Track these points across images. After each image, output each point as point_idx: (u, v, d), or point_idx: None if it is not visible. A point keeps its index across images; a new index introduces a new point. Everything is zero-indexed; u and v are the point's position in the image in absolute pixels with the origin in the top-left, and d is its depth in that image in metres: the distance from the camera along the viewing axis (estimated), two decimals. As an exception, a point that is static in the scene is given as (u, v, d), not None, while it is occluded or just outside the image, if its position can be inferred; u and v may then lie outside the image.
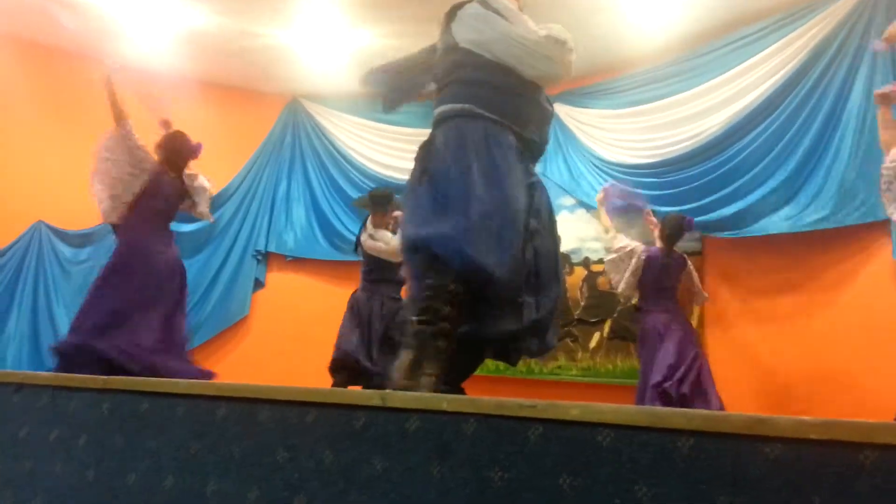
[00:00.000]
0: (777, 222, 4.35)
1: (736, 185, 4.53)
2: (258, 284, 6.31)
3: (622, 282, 4.22)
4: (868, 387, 3.79)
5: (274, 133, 6.55)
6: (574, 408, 1.37)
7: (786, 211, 4.33)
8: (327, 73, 6.05)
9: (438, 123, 2.32)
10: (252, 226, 6.35)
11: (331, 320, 5.96)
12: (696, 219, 4.55)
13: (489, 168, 2.15)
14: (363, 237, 4.64)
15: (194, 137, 6.34)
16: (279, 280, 6.34)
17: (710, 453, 1.21)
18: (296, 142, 6.53)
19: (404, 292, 4.58)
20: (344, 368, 4.41)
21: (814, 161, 4.24)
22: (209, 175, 6.16)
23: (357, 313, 4.57)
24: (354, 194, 6.20)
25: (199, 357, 5.95)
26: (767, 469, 1.15)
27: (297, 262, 6.32)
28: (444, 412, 1.48)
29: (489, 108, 2.22)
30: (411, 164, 6.78)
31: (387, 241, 4.49)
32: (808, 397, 4.12)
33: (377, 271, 4.62)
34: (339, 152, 6.36)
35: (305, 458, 1.60)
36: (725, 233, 4.66)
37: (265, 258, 6.36)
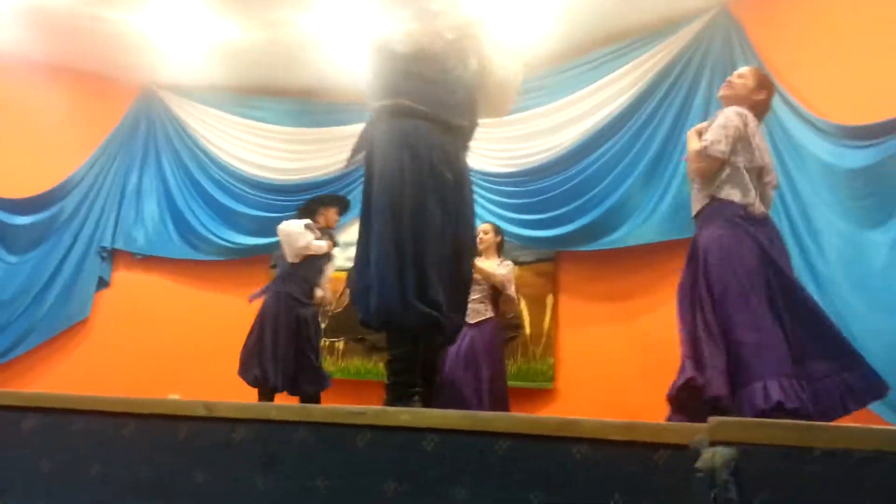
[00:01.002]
0: (620, 237, 4.63)
1: (585, 198, 4.80)
2: (102, 283, 5.84)
3: None
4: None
5: (126, 122, 6.11)
6: (404, 413, 1.39)
7: (627, 225, 4.63)
8: (188, 63, 5.73)
9: (373, 121, 2.29)
10: (97, 220, 5.87)
11: (182, 325, 5.68)
12: (551, 230, 4.76)
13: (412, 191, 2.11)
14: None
15: (37, 122, 5.85)
16: (126, 279, 5.90)
17: (525, 454, 1.26)
18: (150, 133, 6.12)
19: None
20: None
21: (654, 178, 4.57)
22: (53, 164, 5.68)
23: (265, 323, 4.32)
24: (213, 190, 5.94)
25: (31, 362, 5.46)
26: (575, 468, 1.21)
27: (147, 260, 5.92)
28: (273, 421, 1.44)
29: (418, 100, 2.19)
30: (276, 163, 6.62)
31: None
32: (644, 390, 4.40)
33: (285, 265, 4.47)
34: (197, 146, 6.05)
35: (121, 473, 1.50)
36: (575, 247, 4.90)
37: (111, 255, 5.91)
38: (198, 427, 1.48)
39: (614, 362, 4.65)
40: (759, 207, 2.66)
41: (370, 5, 2.30)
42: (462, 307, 2.31)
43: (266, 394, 4.14)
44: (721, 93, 2.90)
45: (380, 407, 1.43)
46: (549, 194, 4.98)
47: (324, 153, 5.90)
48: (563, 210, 4.89)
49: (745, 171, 2.64)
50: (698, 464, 1.06)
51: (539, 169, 5.07)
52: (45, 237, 5.71)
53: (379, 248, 2.07)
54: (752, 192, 2.63)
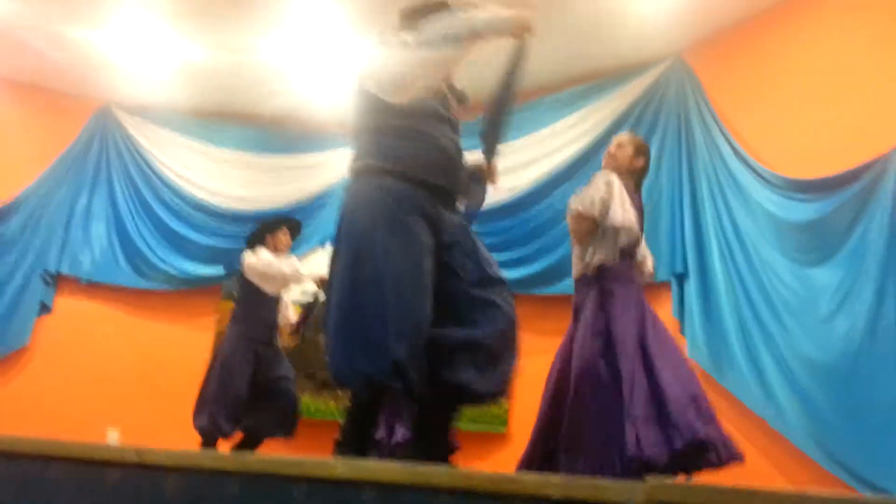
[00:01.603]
0: (563, 284, 4.66)
1: (542, 239, 4.85)
2: (44, 309, 5.61)
3: None
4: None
5: (79, 141, 5.96)
6: (340, 465, 1.35)
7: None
8: (146, 82, 5.67)
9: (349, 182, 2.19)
10: (42, 243, 5.67)
11: (126, 356, 5.48)
12: (511, 271, 4.81)
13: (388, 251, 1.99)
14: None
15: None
16: (70, 306, 5.68)
17: (464, 511, 1.24)
18: (103, 153, 5.97)
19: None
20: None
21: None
22: (3, 180, 5.47)
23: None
24: (166, 216, 5.81)
25: (-40, 390, 5.21)
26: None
27: (93, 286, 5.71)
28: (207, 470, 1.39)
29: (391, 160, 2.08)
30: (233, 190, 6.39)
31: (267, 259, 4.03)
32: None
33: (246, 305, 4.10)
34: (151, 169, 5.92)
35: (42, 521, 1.43)
36: (534, 290, 4.93)
37: (54, 280, 5.70)
38: (128, 474, 1.42)
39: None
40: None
41: (336, 37, 2.24)
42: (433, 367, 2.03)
43: (210, 441, 3.89)
44: (603, 163, 3.10)
45: (319, 458, 1.39)
46: (508, 235, 5.02)
47: (282, 182, 5.85)
48: (523, 252, 4.93)
49: (612, 233, 2.85)
50: (634, 526, 1.05)
51: (499, 209, 5.10)
52: (-14, 258, 5.50)
53: (336, 304, 2.03)
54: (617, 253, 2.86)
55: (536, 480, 1.21)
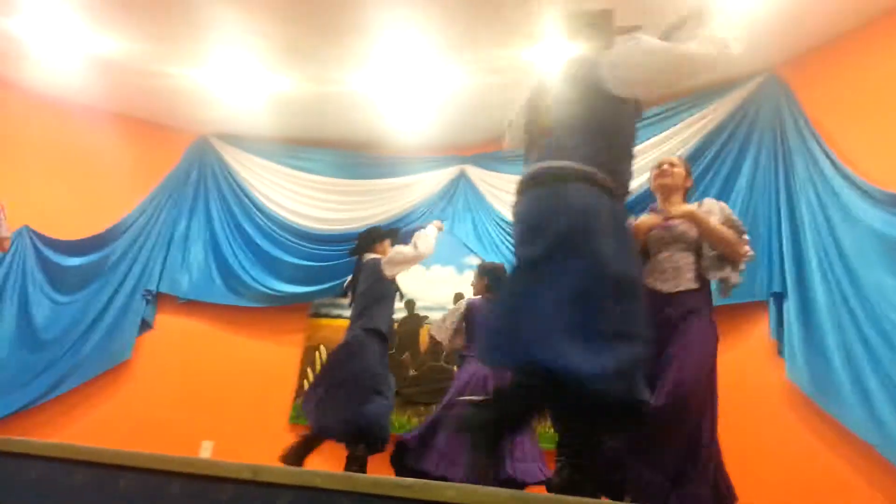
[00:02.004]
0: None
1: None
2: (145, 326, 5.95)
3: (444, 333, 4.18)
4: (750, 459, 3.93)
5: (179, 170, 6.33)
6: (450, 489, 1.36)
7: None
8: (241, 114, 5.97)
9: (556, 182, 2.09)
10: (145, 264, 6.02)
11: (221, 370, 5.73)
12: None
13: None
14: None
15: (94, 167, 6.07)
16: (169, 323, 5.99)
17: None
18: (201, 180, 6.32)
19: None
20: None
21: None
22: (107, 208, 5.86)
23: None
24: (258, 238, 6.05)
25: (73, 401, 5.53)
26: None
27: (190, 305, 6.02)
28: (318, 489, 1.43)
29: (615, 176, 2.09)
30: (321, 213, 6.53)
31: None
32: None
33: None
34: (245, 194, 6.21)
35: (165, 533, 1.50)
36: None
37: (155, 299, 6.02)
38: (243, 490, 1.48)
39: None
40: None
41: (417, 65, 2.27)
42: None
43: (309, 443, 3.89)
44: (658, 182, 2.92)
45: (426, 481, 1.40)
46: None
47: (368, 204, 6.01)
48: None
49: None
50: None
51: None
52: (93, 278, 5.85)
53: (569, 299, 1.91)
54: None
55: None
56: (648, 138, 4.97)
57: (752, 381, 4.21)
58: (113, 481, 1.62)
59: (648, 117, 5.06)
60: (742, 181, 4.57)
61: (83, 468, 1.66)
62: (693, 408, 2.43)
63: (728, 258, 2.70)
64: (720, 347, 2.66)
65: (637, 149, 5.14)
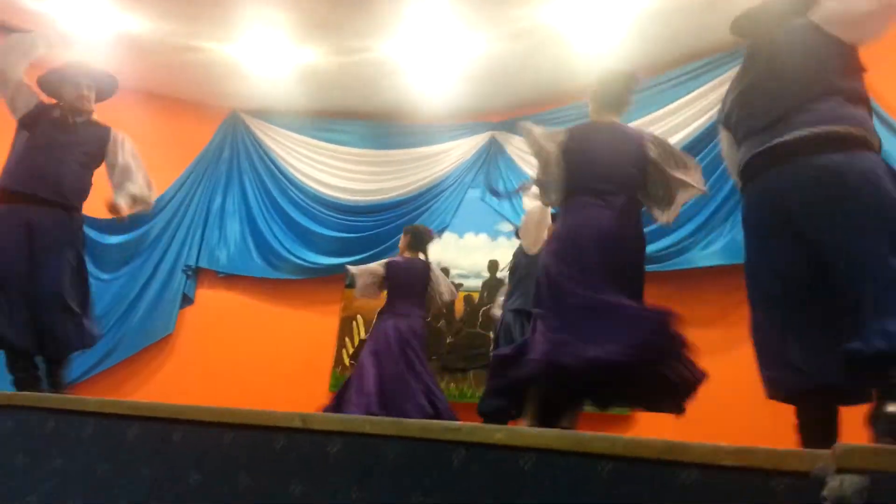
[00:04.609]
0: (706, 255, 4.51)
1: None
2: (186, 300, 6.07)
3: (359, 286, 4.32)
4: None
5: (212, 146, 6.39)
6: (498, 431, 1.36)
7: (712, 246, 4.49)
8: (270, 88, 5.98)
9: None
10: (183, 240, 6.13)
11: (261, 340, 5.84)
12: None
13: None
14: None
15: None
16: (209, 297, 6.12)
17: (628, 478, 1.22)
18: (234, 156, 6.38)
19: None
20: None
21: (737, 199, 4.43)
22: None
23: None
24: (292, 212, 6.11)
25: (117, 377, 5.69)
26: (683, 493, 1.16)
27: (229, 278, 6.12)
28: (367, 434, 1.44)
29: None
30: (352, 184, 6.50)
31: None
32: (750, 426, 4.16)
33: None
34: (278, 169, 6.26)
35: (219, 482, 1.54)
36: (654, 266, 4.78)
37: (195, 274, 6.14)
38: (294, 439, 1.50)
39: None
40: None
41: (443, 32, 2.21)
42: None
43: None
44: None
45: (474, 423, 1.41)
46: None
47: (399, 174, 6.00)
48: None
49: None
50: (825, 493, 0.99)
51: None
52: (134, 255, 5.98)
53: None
54: None
55: (707, 449, 1.17)
56: (670, 101, 4.88)
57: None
58: (166, 435, 1.66)
59: (669, 80, 4.96)
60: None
61: (138, 423, 1.71)
62: None
63: None
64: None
65: (661, 113, 5.05)
